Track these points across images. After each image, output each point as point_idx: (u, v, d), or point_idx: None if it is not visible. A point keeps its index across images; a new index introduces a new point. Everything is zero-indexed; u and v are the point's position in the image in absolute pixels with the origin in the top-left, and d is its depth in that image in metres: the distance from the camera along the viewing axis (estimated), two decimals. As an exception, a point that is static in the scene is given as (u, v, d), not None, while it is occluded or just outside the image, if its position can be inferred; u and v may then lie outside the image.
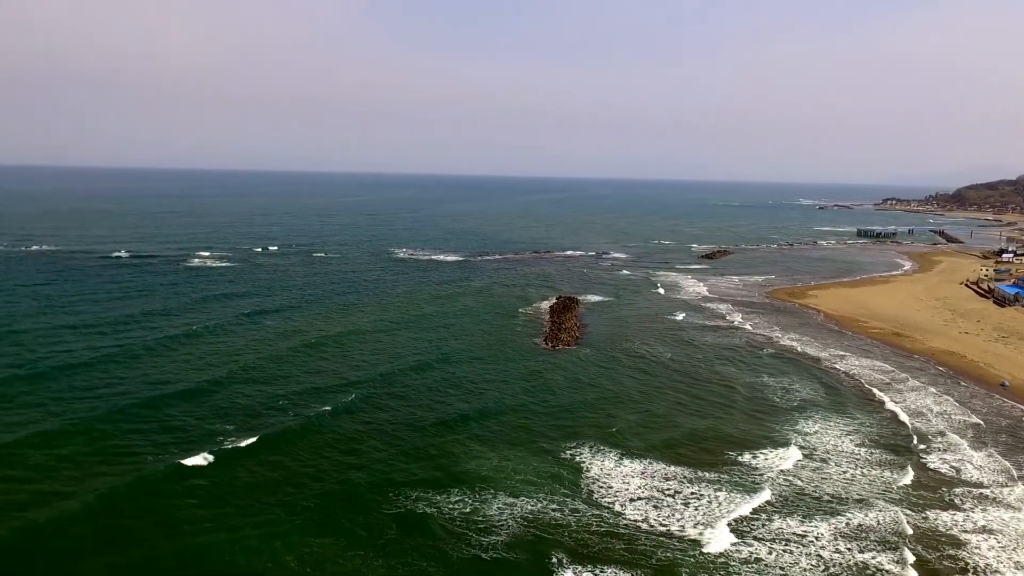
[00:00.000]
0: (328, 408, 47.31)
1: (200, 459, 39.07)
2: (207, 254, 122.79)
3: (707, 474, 39.76)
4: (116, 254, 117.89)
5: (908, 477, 40.57)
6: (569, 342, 68.10)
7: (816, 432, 46.67)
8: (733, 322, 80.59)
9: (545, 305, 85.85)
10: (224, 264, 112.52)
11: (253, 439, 41.78)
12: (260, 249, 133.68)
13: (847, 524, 34.77)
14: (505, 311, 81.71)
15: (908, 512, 36.17)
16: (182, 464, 38.42)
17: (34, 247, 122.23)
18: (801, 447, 44.16)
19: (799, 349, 68.99)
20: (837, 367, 62.17)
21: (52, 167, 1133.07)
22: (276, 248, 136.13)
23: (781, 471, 40.62)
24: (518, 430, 45.21)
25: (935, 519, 35.59)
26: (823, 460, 42.38)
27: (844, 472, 40.76)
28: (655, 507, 35.84)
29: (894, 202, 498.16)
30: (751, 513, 35.63)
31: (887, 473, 40.76)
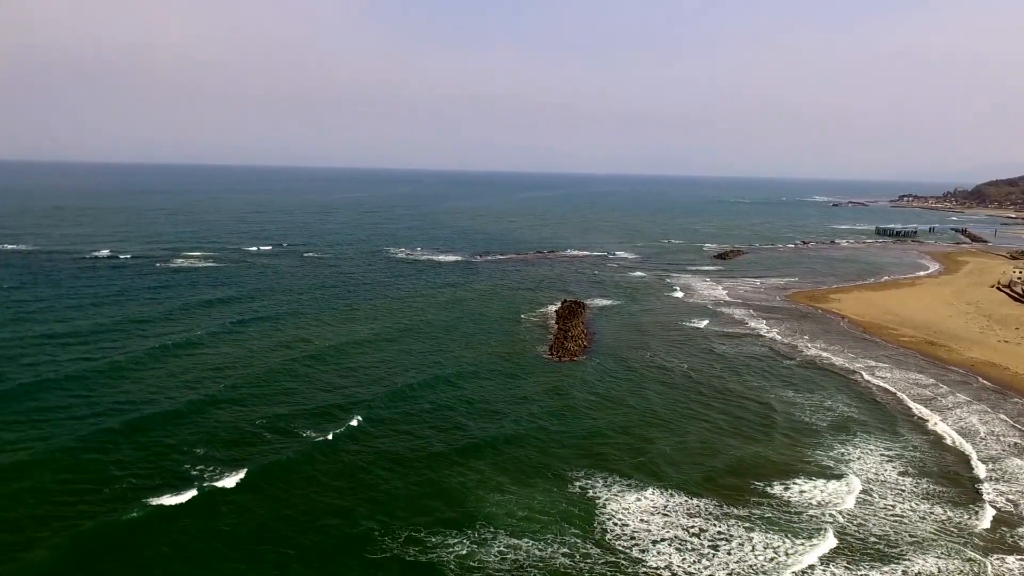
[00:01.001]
0: (321, 436, 42.92)
1: (182, 496, 34.87)
2: (195, 254, 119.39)
3: (740, 510, 36.09)
4: (96, 254, 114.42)
5: (978, 516, 36.50)
6: (576, 352, 64.48)
7: (858, 458, 42.94)
8: (752, 328, 76.94)
9: (551, 310, 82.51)
10: (212, 265, 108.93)
11: (241, 473, 37.52)
12: (253, 248, 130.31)
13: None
14: (508, 317, 78.21)
15: (995, 561, 32.11)
16: (161, 504, 34.32)
17: (10, 246, 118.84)
18: (844, 476, 40.10)
19: (826, 359, 65.30)
20: (870, 380, 58.46)
21: (40, 163, 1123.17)
22: (269, 248, 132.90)
23: (824, 506, 36.54)
24: (520, 460, 41.37)
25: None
26: (871, 492, 38.30)
27: (903, 510, 36.79)
28: (679, 550, 32.16)
29: (911, 199, 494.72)
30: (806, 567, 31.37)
31: (953, 511, 36.79)
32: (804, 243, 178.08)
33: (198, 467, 38.77)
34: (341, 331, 69.38)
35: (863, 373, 60.97)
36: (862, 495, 38.30)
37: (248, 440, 42.70)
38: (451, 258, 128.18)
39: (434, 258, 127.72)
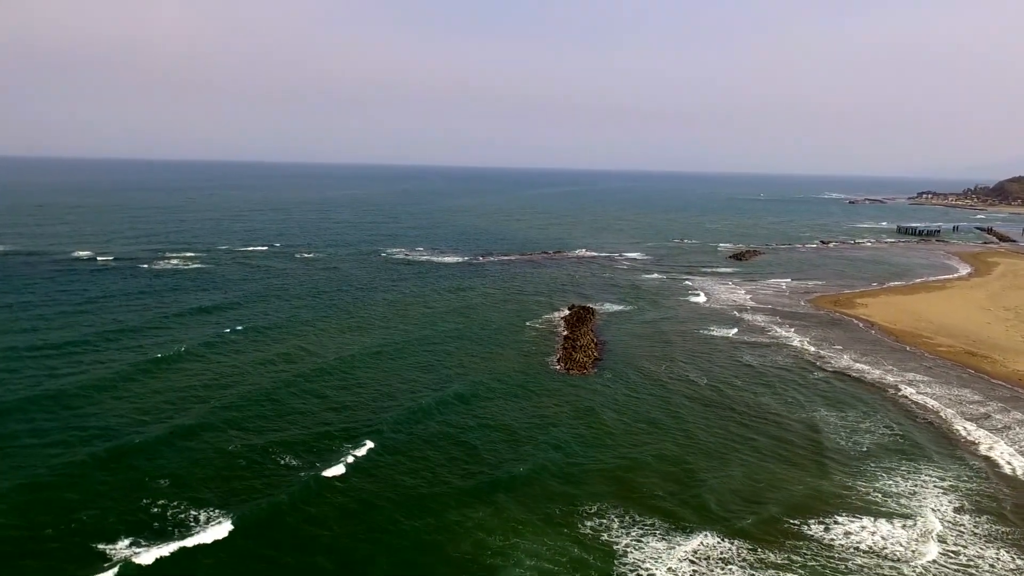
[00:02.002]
0: (323, 468, 38.11)
1: (161, 549, 30.01)
2: (184, 255, 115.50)
3: (778, 556, 31.92)
4: (77, 255, 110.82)
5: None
6: (585, 364, 60.27)
7: (912, 492, 38.51)
8: (777, 337, 72.90)
9: (557, 316, 78.57)
10: (201, 267, 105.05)
11: (230, 523, 32.36)
12: (247, 249, 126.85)
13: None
14: (514, 324, 74.20)
15: None
16: (134, 562, 29.47)
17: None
18: (911, 517, 35.55)
19: (858, 372, 61.20)
20: (908, 396, 54.37)
21: (27, 158, 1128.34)
22: (264, 248, 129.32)
23: (901, 561, 31.56)
24: (527, 496, 36.53)
25: None
26: (946, 540, 33.52)
27: (984, 564, 31.68)
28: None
29: (930, 195, 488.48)
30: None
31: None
32: (824, 243, 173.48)
33: (181, 511, 33.67)
34: (339, 343, 65.05)
35: (901, 388, 56.83)
36: (939, 542, 33.21)
37: (241, 474, 37.84)
38: (454, 259, 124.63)
39: (436, 259, 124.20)
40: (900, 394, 55.58)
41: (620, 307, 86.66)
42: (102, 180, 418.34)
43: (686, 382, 57.70)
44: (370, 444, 42.54)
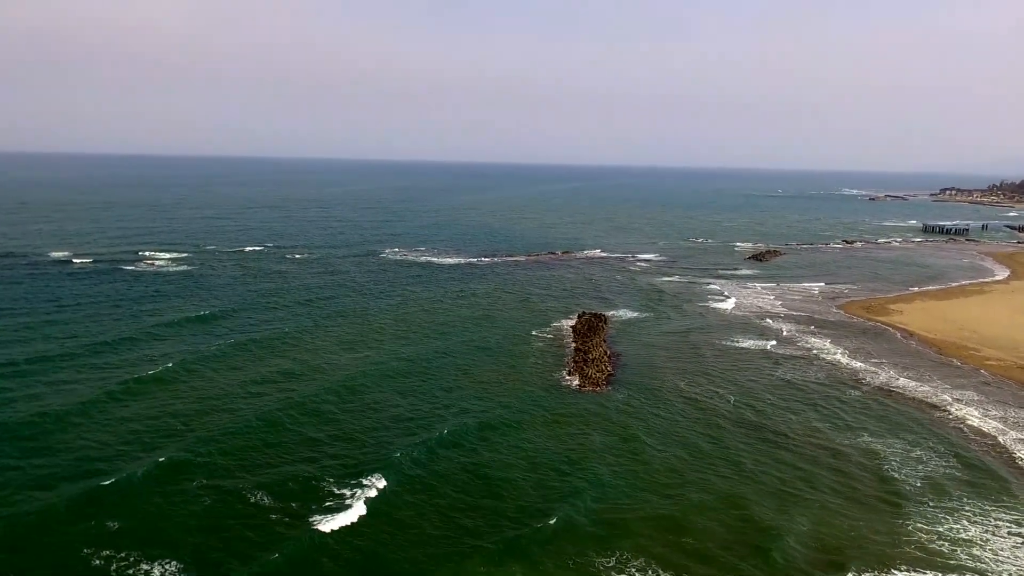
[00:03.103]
0: (330, 516, 33.13)
1: None
2: (168, 256, 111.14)
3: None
4: (55, 256, 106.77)
5: None
6: (598, 380, 55.86)
7: (982, 539, 33.97)
8: (807, 348, 68.32)
9: (566, 324, 74.03)
10: (188, 268, 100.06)
11: None
12: (238, 250, 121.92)
13: None
14: (519, 334, 69.30)
15: None
16: None
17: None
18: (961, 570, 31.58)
19: (902, 389, 56.75)
20: (959, 418, 50.03)
21: (14, 154, 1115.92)
22: (258, 248, 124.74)
23: None
24: (562, 551, 31.66)
25: None
26: None
27: None
28: None
29: (953, 192, 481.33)
30: None
31: None
32: (848, 242, 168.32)
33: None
34: (338, 357, 60.24)
35: (952, 409, 52.25)
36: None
37: (227, 524, 32.44)
38: (456, 260, 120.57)
39: (438, 260, 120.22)
40: (952, 416, 50.95)
41: (635, 314, 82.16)
42: (92, 176, 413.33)
43: (717, 400, 53.21)
44: (381, 484, 37.01)
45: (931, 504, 37.69)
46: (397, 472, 38.76)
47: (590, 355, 63.65)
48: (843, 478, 40.58)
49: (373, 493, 36.61)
